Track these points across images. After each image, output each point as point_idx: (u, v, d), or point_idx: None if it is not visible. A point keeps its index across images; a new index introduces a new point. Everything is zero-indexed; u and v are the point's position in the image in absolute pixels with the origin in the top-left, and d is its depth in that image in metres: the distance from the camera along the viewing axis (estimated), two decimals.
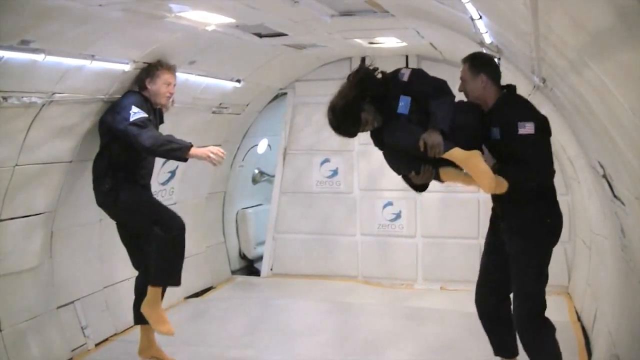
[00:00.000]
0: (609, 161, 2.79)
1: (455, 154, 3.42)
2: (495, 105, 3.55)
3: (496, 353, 3.95)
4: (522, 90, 4.68)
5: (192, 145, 4.11)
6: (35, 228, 4.33)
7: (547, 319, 3.58)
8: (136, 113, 4.14)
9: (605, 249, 4.18)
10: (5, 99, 3.64)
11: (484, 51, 4.11)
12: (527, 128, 3.39)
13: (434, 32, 5.10)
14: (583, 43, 1.92)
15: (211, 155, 4.11)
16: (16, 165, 4.01)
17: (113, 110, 4.31)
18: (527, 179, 3.46)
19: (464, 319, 5.40)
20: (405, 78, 3.54)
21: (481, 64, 3.59)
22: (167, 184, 5.92)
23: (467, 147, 3.43)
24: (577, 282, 5.81)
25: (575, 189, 5.60)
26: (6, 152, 3.93)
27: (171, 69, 4.50)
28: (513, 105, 3.52)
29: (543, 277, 3.57)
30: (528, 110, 3.47)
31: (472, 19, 3.30)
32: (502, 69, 4.38)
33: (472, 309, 5.59)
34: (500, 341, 3.86)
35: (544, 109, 4.64)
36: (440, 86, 3.57)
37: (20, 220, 4.19)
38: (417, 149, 3.42)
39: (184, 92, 5.34)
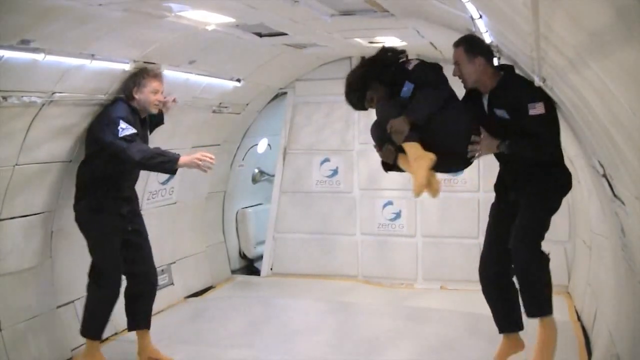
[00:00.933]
0: (608, 161, 2.78)
1: (409, 148, 3.55)
2: (498, 86, 3.57)
3: (500, 330, 3.94)
4: None
5: (179, 157, 4.11)
6: (35, 228, 4.33)
7: (543, 251, 3.67)
8: (124, 129, 4.11)
9: (606, 249, 4.18)
10: (5, 98, 3.64)
11: None
12: (537, 108, 3.47)
13: (434, 31, 5.10)
14: (583, 42, 1.92)
15: (200, 162, 4.11)
16: (16, 164, 4.02)
17: (102, 121, 4.27)
18: (544, 153, 3.57)
19: (464, 319, 5.40)
20: (410, 67, 3.66)
21: (477, 46, 3.60)
22: (167, 183, 5.92)
23: (439, 148, 3.53)
24: (577, 282, 5.81)
25: (575, 188, 5.59)
26: (6, 152, 3.93)
27: (158, 76, 4.43)
28: (517, 86, 3.57)
29: (547, 224, 3.67)
30: (534, 90, 3.48)
31: (472, 19, 3.30)
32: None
33: (472, 308, 5.62)
34: (504, 314, 3.88)
35: None
36: (435, 82, 3.61)
37: (20, 219, 4.20)
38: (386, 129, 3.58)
39: (184, 92, 5.35)
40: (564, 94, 3.08)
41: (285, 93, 7.26)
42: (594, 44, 1.80)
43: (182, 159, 4.10)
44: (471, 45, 3.60)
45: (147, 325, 4.57)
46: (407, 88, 3.65)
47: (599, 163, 3.14)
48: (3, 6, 3.11)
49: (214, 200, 7.03)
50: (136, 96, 4.35)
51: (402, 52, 3.83)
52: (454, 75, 3.68)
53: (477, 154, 3.64)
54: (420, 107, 3.54)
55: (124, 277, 4.55)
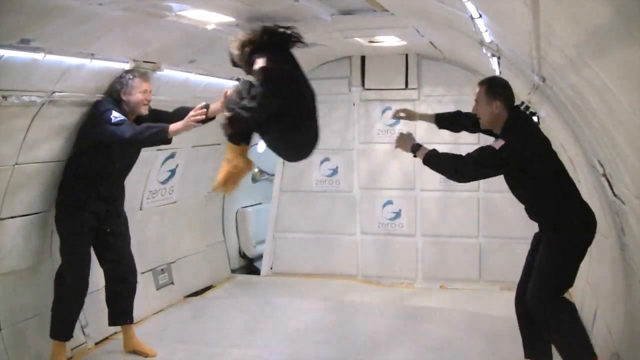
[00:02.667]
0: (608, 160, 2.79)
1: (228, 146, 3.91)
2: (500, 134, 3.67)
3: (526, 355, 3.94)
4: (522, 89, 4.68)
5: (169, 125, 4.08)
6: (35, 227, 4.33)
7: (562, 300, 3.61)
8: (117, 117, 4.14)
9: (605, 248, 4.18)
10: (5, 97, 3.63)
11: (484, 50, 4.11)
12: (497, 143, 3.55)
13: (434, 31, 5.10)
14: (583, 41, 1.92)
15: (191, 121, 4.00)
16: (16, 164, 4.01)
17: (92, 118, 4.27)
18: (454, 169, 3.67)
19: (463, 318, 5.41)
20: (256, 67, 3.68)
21: (498, 89, 3.67)
22: (167, 182, 5.92)
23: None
24: (577, 281, 5.78)
25: None
26: (6, 151, 3.93)
27: (145, 76, 4.38)
28: (512, 132, 3.62)
29: (563, 273, 3.62)
30: (515, 135, 3.58)
31: (472, 18, 3.29)
32: (502, 67, 4.39)
33: (472, 308, 5.64)
34: (531, 342, 3.88)
35: (543, 108, 4.65)
36: (261, 98, 3.65)
37: (20, 219, 4.20)
38: None
39: (184, 91, 5.34)
40: (563, 93, 3.08)
41: None
42: (594, 43, 1.80)
43: (174, 127, 4.05)
44: (492, 87, 3.68)
45: (127, 321, 4.71)
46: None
47: (598, 162, 3.14)
48: (3, 5, 3.10)
49: (213, 200, 7.02)
50: (124, 98, 4.31)
51: (281, 34, 3.76)
52: (473, 111, 3.81)
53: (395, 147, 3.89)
54: (240, 120, 3.68)
55: (100, 275, 4.65)
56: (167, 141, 4.26)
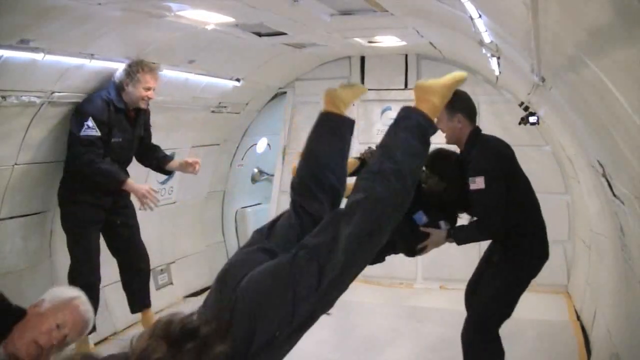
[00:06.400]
0: (608, 160, 2.78)
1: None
2: (464, 152, 3.62)
3: None
4: (522, 90, 4.68)
5: (126, 179, 4.22)
6: (34, 227, 4.33)
7: (496, 341, 3.63)
8: (88, 129, 4.12)
9: (605, 248, 4.18)
10: (4, 98, 3.64)
11: (484, 50, 4.11)
12: (477, 183, 3.45)
13: (434, 31, 5.10)
14: (582, 41, 1.91)
15: (143, 199, 4.25)
16: (15, 164, 4.01)
17: (75, 113, 4.24)
18: (485, 233, 3.57)
19: (463, 318, 5.38)
20: (421, 222, 3.75)
21: (458, 103, 3.53)
22: (167, 182, 5.92)
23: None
24: (576, 281, 5.81)
25: (574, 188, 5.60)
26: (6, 151, 3.93)
27: (153, 72, 4.33)
28: (473, 155, 3.55)
29: (500, 310, 3.64)
30: (481, 160, 3.50)
31: (472, 18, 3.29)
32: (501, 68, 4.39)
33: None
34: None
35: (543, 108, 4.65)
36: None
37: (20, 219, 4.19)
38: None
39: (183, 92, 5.34)
40: (563, 94, 3.08)
41: (284, 93, 7.25)
42: (593, 42, 1.80)
43: (130, 184, 4.24)
44: (452, 101, 3.58)
45: (146, 305, 4.79)
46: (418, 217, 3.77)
47: (598, 162, 3.14)
48: (2, 6, 3.11)
49: (213, 200, 7.02)
50: (127, 89, 4.28)
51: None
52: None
53: (426, 251, 3.85)
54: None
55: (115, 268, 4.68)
56: (118, 189, 4.32)
